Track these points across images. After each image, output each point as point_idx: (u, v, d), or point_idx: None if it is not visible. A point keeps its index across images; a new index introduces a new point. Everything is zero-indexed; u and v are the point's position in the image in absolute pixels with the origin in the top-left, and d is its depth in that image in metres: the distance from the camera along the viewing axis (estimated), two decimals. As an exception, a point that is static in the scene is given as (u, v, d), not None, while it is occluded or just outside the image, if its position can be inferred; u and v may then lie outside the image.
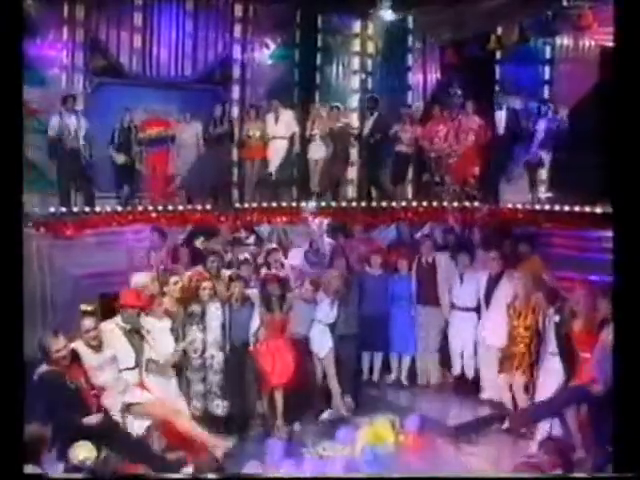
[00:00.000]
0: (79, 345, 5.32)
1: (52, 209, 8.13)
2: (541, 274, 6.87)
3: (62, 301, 8.01)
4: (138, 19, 9.94)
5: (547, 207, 8.40)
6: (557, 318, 6.11)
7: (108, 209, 8.53)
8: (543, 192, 10.33)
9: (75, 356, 5.17)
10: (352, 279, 7.25)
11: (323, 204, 9.36)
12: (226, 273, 7.01)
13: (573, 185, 9.33)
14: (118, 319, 5.73)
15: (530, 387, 6.46)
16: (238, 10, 10.69)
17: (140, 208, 8.70)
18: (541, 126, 9.58)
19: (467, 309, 7.27)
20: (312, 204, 8.92)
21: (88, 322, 5.46)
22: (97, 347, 5.40)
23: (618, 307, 3.82)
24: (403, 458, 6.06)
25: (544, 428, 6.03)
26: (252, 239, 9.05)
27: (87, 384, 5.17)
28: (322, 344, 6.90)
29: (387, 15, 10.92)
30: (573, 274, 7.59)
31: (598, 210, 7.82)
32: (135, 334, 5.73)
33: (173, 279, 6.51)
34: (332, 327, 6.98)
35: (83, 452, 4.67)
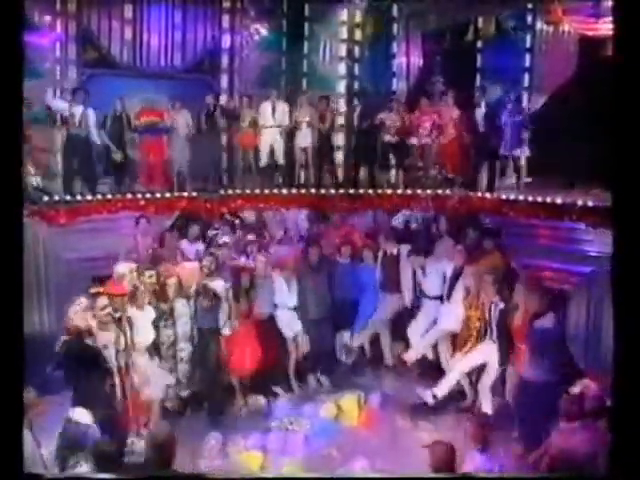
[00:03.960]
0: (93, 323, 5.86)
1: (46, 198, 8.59)
2: (499, 269, 7.35)
3: (56, 283, 8.56)
4: (129, 11, 10.32)
5: (512, 197, 8.75)
6: (502, 305, 6.60)
7: (99, 197, 8.99)
8: (523, 178, 10.75)
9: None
10: (322, 265, 7.75)
11: (304, 191, 9.78)
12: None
13: (553, 172, 9.74)
14: (108, 307, 6.21)
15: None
16: (226, 1, 11.03)
17: (129, 196, 9.14)
18: (519, 115, 9.90)
19: (432, 297, 7.78)
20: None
21: (101, 300, 6.02)
22: (105, 325, 5.97)
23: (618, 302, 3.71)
24: (360, 433, 6.60)
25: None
26: (237, 224, 9.61)
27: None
28: (290, 327, 7.44)
29: (373, 3, 11.28)
30: (539, 262, 8.12)
31: (559, 201, 8.20)
32: (120, 320, 6.25)
33: (148, 273, 7.00)
34: (298, 311, 7.51)
35: (79, 415, 5.07)
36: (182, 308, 7.08)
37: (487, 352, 6.80)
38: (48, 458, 4.97)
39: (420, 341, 7.86)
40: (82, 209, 8.74)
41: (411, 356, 7.78)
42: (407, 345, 8.09)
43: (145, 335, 6.53)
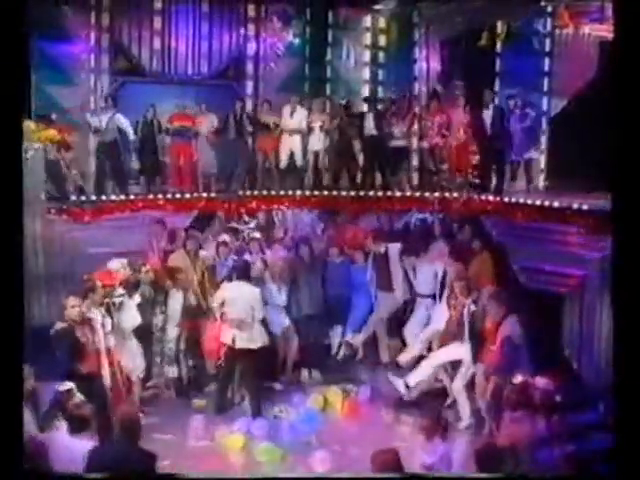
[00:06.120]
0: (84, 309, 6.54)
1: (73, 197, 9.29)
2: (488, 270, 7.54)
3: (80, 275, 9.24)
4: (158, 23, 10.97)
5: (513, 199, 8.88)
6: (474, 307, 6.81)
7: (122, 197, 9.64)
8: (534, 182, 10.80)
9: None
10: (315, 263, 8.14)
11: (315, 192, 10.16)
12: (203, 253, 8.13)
13: (571, 176, 9.77)
14: (100, 294, 6.86)
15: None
16: (251, 10, 11.53)
17: (150, 196, 9.76)
18: (527, 119, 10.01)
19: (424, 295, 8.03)
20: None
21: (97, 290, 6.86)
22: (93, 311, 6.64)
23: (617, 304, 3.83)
24: (341, 424, 6.95)
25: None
26: (253, 224, 10.10)
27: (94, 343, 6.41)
28: (278, 324, 7.87)
29: (394, 9, 11.60)
30: (536, 265, 8.26)
31: (556, 204, 8.31)
32: (110, 306, 6.88)
33: (144, 268, 7.61)
34: (288, 308, 7.91)
35: (64, 385, 5.50)
36: (175, 295, 7.69)
37: (461, 351, 7.00)
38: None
39: (415, 341, 8.12)
40: (106, 208, 9.40)
41: (406, 357, 8.03)
42: (403, 344, 8.37)
43: (132, 320, 7.12)
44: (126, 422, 4.71)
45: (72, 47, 10.51)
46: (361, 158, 10.54)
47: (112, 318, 6.84)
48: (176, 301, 7.73)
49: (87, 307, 6.54)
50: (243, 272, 7.52)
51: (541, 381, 5.41)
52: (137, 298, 7.32)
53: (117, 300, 7.03)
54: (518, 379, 5.52)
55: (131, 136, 9.89)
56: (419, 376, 7.26)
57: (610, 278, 4.15)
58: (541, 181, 10.81)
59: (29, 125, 8.27)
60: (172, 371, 7.73)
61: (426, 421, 5.15)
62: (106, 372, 6.48)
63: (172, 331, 7.76)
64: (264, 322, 7.55)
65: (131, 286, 7.35)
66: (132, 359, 7.08)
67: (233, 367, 7.48)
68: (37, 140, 8.09)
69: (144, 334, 7.45)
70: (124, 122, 9.77)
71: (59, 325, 6.35)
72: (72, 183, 9.16)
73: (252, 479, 6.22)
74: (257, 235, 8.96)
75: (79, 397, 5.25)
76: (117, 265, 7.47)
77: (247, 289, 7.38)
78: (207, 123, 10.45)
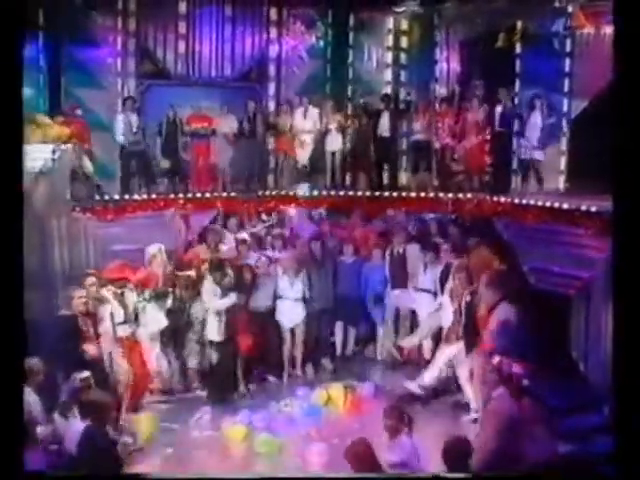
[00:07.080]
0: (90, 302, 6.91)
1: (97, 197, 9.68)
2: (486, 260, 7.61)
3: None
4: (182, 27, 11.31)
5: (524, 201, 8.90)
6: (469, 298, 6.91)
7: (145, 196, 10.01)
8: (561, 182, 10.79)
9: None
10: (326, 259, 8.42)
11: (325, 192, 10.45)
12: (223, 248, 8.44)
13: (592, 178, 9.73)
14: (110, 286, 7.25)
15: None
16: (273, 13, 11.79)
17: (172, 196, 10.09)
18: (549, 118, 10.03)
19: (428, 293, 8.16)
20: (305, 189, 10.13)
21: (90, 280, 7.27)
22: (100, 302, 7.02)
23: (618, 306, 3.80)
24: (343, 418, 7.13)
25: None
26: (271, 222, 10.37)
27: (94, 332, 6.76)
28: (291, 317, 8.03)
29: (415, 11, 11.70)
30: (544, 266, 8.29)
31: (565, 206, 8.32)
32: (122, 296, 7.19)
33: (183, 274, 8.00)
34: (304, 302, 8.14)
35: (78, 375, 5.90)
36: (209, 287, 7.91)
37: (461, 344, 7.13)
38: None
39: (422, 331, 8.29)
40: (129, 207, 9.76)
41: (409, 343, 8.23)
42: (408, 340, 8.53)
43: (156, 323, 7.41)
44: (98, 406, 5.02)
45: (100, 51, 10.96)
46: (375, 158, 10.74)
47: (125, 310, 7.15)
48: (210, 290, 7.90)
49: (91, 300, 6.82)
50: (215, 267, 7.80)
51: (516, 367, 5.46)
52: (168, 303, 7.62)
53: (140, 305, 7.35)
54: (496, 359, 5.59)
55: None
56: (429, 377, 7.37)
57: (611, 280, 4.07)
58: (561, 182, 10.84)
59: (43, 118, 8.56)
60: (214, 358, 7.90)
61: (390, 420, 5.13)
62: (113, 360, 6.81)
63: (213, 321, 7.88)
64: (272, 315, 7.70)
65: (159, 295, 7.68)
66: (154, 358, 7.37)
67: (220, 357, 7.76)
68: (45, 137, 8.28)
69: (179, 333, 7.78)
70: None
71: (64, 312, 6.70)
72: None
73: (262, 478, 6.32)
74: (281, 232, 9.18)
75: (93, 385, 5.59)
76: (154, 249, 7.74)
77: (206, 283, 7.75)
78: (227, 124, 10.76)
